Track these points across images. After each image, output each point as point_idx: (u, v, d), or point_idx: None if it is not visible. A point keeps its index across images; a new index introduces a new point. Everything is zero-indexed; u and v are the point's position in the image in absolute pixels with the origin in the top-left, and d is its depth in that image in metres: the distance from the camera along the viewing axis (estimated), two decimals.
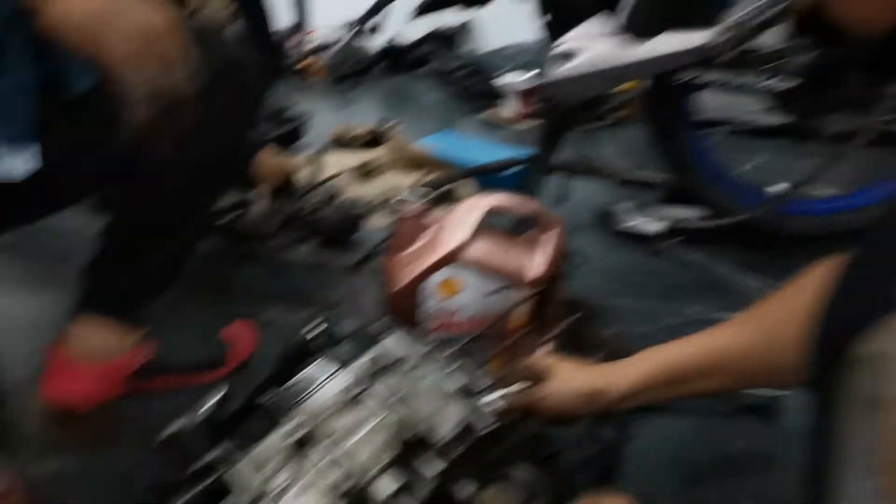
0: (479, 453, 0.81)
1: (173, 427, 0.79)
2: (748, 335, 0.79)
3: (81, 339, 1.11)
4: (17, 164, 0.83)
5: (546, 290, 1.13)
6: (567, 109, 1.60)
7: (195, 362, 1.19)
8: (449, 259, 1.07)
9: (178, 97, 0.75)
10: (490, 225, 1.14)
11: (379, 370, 0.80)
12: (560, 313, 1.19)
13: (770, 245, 1.57)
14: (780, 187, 1.59)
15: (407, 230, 1.10)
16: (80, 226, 1.60)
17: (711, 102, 1.75)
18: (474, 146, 2.36)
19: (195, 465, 0.75)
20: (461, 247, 1.08)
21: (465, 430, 0.74)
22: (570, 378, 0.85)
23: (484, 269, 1.09)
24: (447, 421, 0.73)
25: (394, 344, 0.85)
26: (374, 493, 0.70)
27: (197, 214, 1.12)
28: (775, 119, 1.70)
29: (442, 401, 0.76)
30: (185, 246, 1.14)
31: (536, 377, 0.86)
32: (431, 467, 0.72)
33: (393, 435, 0.73)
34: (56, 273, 1.54)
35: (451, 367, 0.83)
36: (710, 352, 0.81)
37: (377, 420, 0.75)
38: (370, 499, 0.71)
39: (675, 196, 1.78)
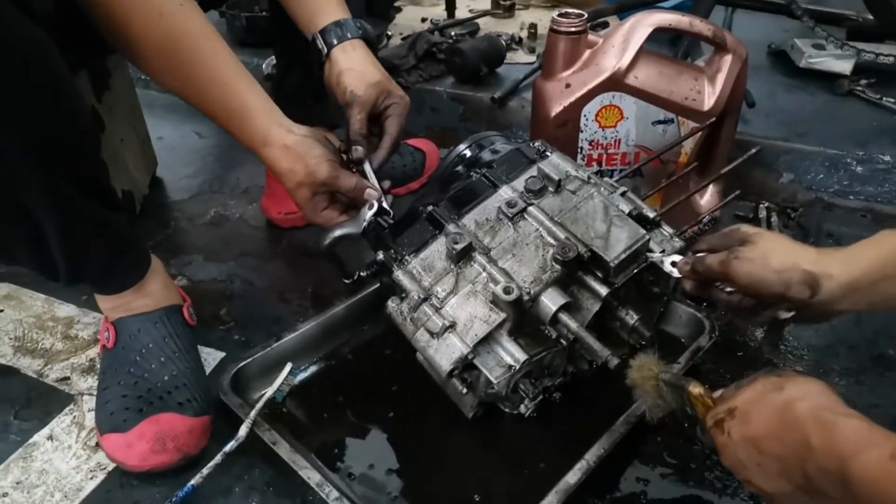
0: (645, 283, 0.76)
1: (334, 235, 0.80)
2: None
3: None
4: None
5: (717, 126, 1.01)
6: None
7: (399, 173, 1.21)
8: (611, 83, 0.97)
9: None
10: (655, 50, 1.02)
11: (541, 188, 0.75)
12: (729, 154, 1.08)
13: None
14: None
15: (563, 50, 1.00)
16: None
17: None
18: None
19: (361, 268, 0.76)
20: (625, 70, 0.97)
21: (640, 253, 0.69)
22: (777, 250, 0.65)
23: (648, 97, 0.99)
24: (621, 241, 0.68)
25: (554, 165, 0.79)
26: (539, 309, 0.68)
27: None
28: None
29: (614, 221, 0.71)
30: None
31: (738, 241, 0.68)
32: (601, 288, 0.69)
33: (557, 252, 0.69)
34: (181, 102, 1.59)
35: (616, 191, 0.77)
36: None
37: (541, 237, 0.71)
38: (535, 314, 0.69)
39: (864, 31, 1.53)
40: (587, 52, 1.00)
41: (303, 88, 1.07)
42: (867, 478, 0.43)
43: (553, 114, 0.99)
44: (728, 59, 1.00)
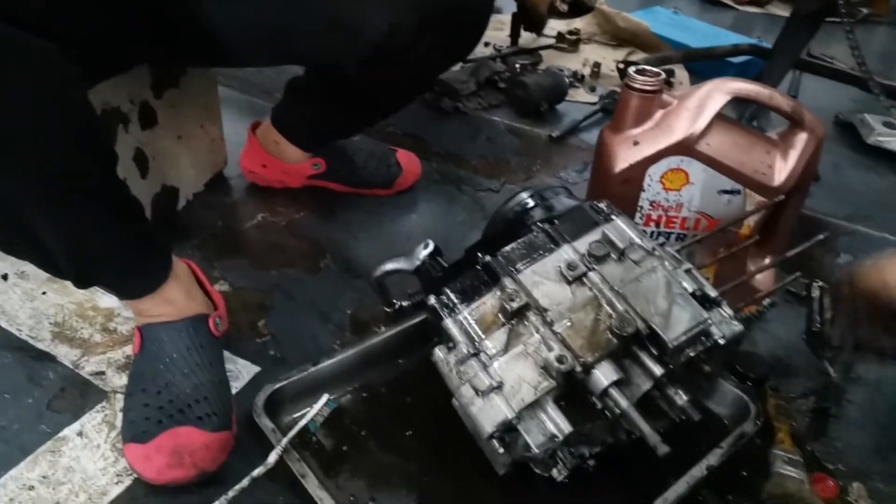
0: (697, 361, 0.74)
1: (385, 269, 0.79)
2: None
3: (269, 140, 1.20)
4: None
5: (784, 201, 0.99)
6: None
7: (367, 177, 1.25)
8: (682, 147, 0.95)
9: None
10: (728, 116, 1.00)
11: (604, 254, 0.74)
12: (790, 230, 1.05)
13: None
14: None
15: (635, 107, 0.98)
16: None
17: None
18: (690, 26, 2.11)
19: (402, 298, 0.76)
20: (697, 135, 0.95)
21: (701, 335, 0.67)
22: None
23: (718, 165, 0.97)
24: (682, 322, 0.67)
25: (619, 230, 0.78)
26: (590, 381, 0.67)
27: (422, 82, 1.14)
28: None
29: (676, 300, 0.69)
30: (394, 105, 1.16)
31: None
32: (656, 367, 0.67)
33: (615, 325, 0.67)
34: (259, 104, 1.59)
35: (681, 266, 0.75)
36: None
37: (600, 306, 0.70)
38: (585, 384, 0.67)
39: None
40: (660, 112, 0.98)
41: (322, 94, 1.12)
42: None
43: (618, 169, 0.97)
44: (803, 136, 0.97)
